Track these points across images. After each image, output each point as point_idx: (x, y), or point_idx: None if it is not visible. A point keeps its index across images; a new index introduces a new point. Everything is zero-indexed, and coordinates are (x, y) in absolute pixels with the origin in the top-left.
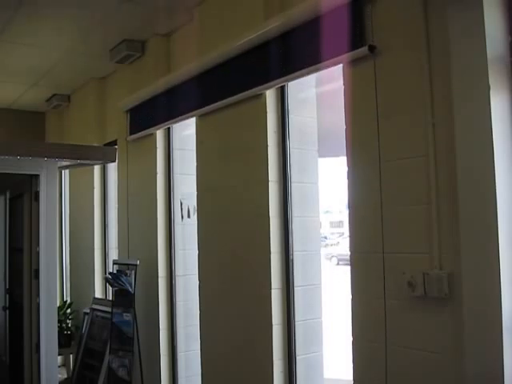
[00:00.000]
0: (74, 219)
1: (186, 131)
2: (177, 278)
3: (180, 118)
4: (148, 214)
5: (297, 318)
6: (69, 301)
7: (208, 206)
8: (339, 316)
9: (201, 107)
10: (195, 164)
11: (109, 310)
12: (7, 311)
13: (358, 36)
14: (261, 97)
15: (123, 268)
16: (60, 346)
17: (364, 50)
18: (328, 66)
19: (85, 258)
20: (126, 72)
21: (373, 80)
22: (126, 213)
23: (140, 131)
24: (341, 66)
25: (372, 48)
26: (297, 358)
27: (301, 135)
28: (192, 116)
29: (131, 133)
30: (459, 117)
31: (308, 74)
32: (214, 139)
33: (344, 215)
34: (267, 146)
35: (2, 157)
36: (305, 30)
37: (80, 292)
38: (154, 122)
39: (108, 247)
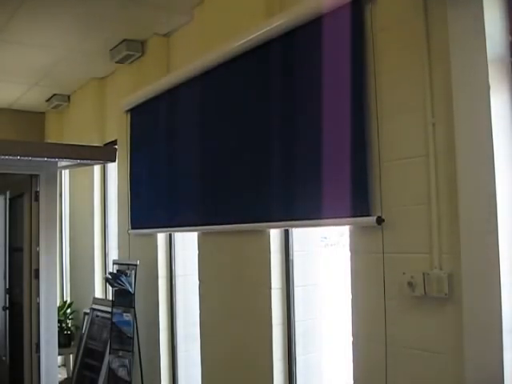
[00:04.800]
0: (73, 219)
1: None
2: (177, 277)
3: (181, 229)
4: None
5: (297, 318)
6: (69, 301)
7: None
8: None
9: (201, 225)
10: None
11: (109, 309)
12: (7, 311)
13: (364, 204)
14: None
15: (123, 268)
16: (60, 346)
17: (371, 220)
18: (331, 225)
19: (85, 258)
20: (125, 72)
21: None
22: (127, 213)
23: (140, 229)
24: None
25: (380, 220)
26: (297, 358)
27: None
28: (194, 231)
29: (133, 227)
30: (459, 117)
31: (311, 226)
32: None
33: None
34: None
35: (2, 157)
36: (309, 187)
37: (80, 292)
38: (155, 224)
39: (108, 247)
